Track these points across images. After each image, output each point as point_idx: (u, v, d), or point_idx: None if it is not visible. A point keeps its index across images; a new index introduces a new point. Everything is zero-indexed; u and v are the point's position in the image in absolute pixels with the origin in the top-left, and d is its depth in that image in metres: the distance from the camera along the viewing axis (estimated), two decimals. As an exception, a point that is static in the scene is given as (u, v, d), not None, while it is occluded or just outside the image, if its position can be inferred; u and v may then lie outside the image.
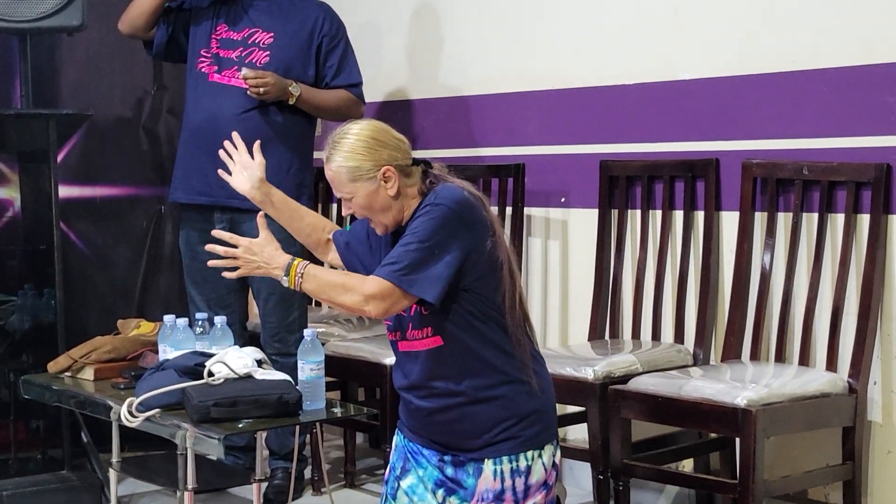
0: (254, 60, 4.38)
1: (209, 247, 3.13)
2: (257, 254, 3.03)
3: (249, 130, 4.34)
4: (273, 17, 4.45)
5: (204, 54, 4.46)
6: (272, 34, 4.42)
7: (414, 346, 2.99)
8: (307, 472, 4.64)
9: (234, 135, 3.39)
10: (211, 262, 3.14)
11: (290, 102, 4.36)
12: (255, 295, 4.54)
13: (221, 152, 3.39)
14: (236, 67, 4.38)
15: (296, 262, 2.97)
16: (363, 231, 3.19)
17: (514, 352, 2.98)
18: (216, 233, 3.17)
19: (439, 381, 2.97)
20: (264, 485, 4.18)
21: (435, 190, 2.97)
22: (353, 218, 3.11)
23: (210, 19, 4.49)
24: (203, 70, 4.46)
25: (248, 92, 4.29)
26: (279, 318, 4.46)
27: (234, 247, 3.09)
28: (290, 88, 4.34)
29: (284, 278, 2.98)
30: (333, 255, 3.29)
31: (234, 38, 4.43)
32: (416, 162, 3.02)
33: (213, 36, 4.45)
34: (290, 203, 3.35)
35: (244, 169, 3.35)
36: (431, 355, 2.97)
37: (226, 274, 3.13)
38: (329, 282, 2.96)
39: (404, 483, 3.09)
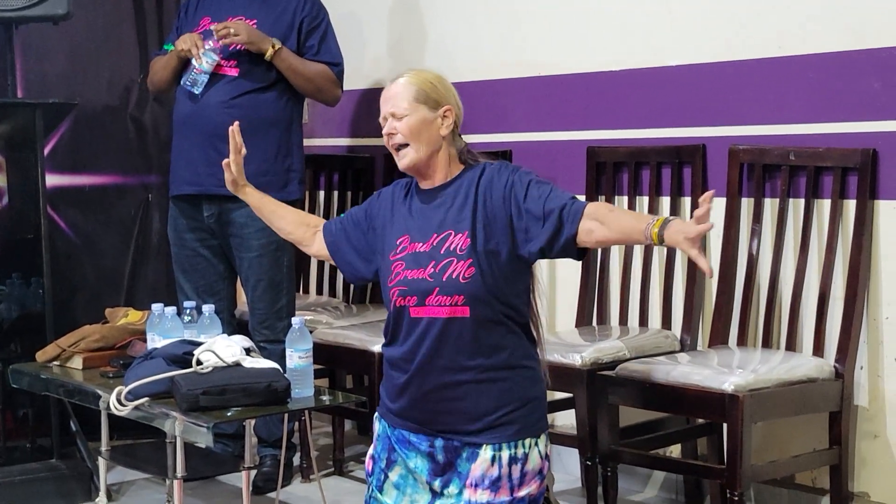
0: (237, 47, 4.38)
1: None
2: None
3: (237, 118, 4.34)
4: (255, 4, 4.45)
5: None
6: (255, 21, 4.41)
7: (434, 313, 2.94)
8: (296, 460, 4.65)
9: (233, 127, 3.38)
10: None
11: (267, 56, 4.35)
12: (243, 282, 4.54)
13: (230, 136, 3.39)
14: (220, 56, 4.38)
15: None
16: (361, 214, 3.19)
17: (523, 336, 2.99)
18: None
19: (449, 355, 2.95)
20: (253, 472, 4.19)
21: (492, 166, 3.04)
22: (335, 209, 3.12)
23: (194, 15, 4.50)
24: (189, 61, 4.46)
25: (221, 41, 4.30)
26: (267, 304, 4.46)
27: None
28: (269, 39, 4.36)
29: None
30: (318, 247, 3.29)
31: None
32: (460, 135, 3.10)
33: (196, 31, 4.44)
34: (267, 203, 3.41)
35: (232, 163, 3.37)
36: (449, 326, 2.94)
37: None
38: None
39: (392, 475, 3.07)
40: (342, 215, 3.27)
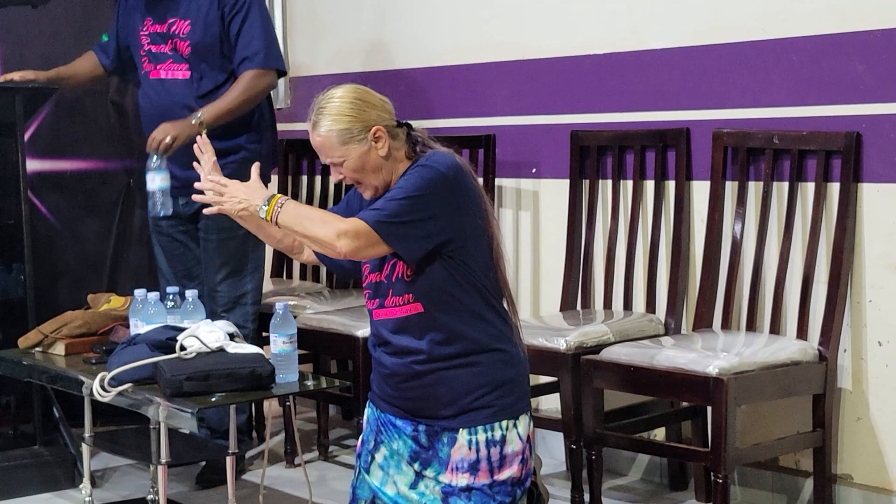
0: (180, 52, 4.33)
1: (198, 185, 3.10)
2: (241, 189, 3.02)
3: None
4: (184, 2, 4.34)
5: (141, 53, 4.44)
6: (189, 21, 4.33)
7: (392, 314, 2.99)
8: (280, 445, 4.63)
9: (202, 140, 3.31)
10: (196, 197, 3.12)
11: (203, 132, 4.12)
12: (206, 267, 4.47)
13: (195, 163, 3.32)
14: (171, 60, 4.34)
15: (277, 196, 2.96)
16: (346, 214, 3.14)
17: (492, 320, 3.00)
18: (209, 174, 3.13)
19: (416, 345, 2.98)
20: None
21: (426, 154, 2.99)
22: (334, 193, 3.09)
23: (138, 17, 4.43)
24: (144, 68, 4.45)
25: (163, 154, 4.15)
26: (229, 289, 4.41)
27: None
28: (193, 123, 4.22)
29: (263, 208, 2.95)
30: (308, 254, 3.25)
31: (161, 31, 4.38)
32: (399, 124, 3.03)
33: (142, 33, 4.40)
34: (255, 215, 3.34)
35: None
36: (410, 322, 2.98)
37: (206, 210, 3.12)
38: (305, 213, 2.95)
39: (378, 456, 3.09)
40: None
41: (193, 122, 4.23)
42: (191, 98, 4.34)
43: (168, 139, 4.18)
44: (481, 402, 2.98)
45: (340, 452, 4.78)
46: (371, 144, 2.98)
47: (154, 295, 3.72)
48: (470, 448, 2.98)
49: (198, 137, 3.33)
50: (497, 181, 4.62)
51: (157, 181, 4.10)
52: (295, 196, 5.31)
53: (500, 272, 3.04)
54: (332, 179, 3.07)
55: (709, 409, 3.72)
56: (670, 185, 4.20)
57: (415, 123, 3.09)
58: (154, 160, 4.11)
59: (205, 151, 3.27)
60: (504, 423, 3.00)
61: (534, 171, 4.61)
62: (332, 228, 2.88)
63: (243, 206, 3.01)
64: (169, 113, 4.32)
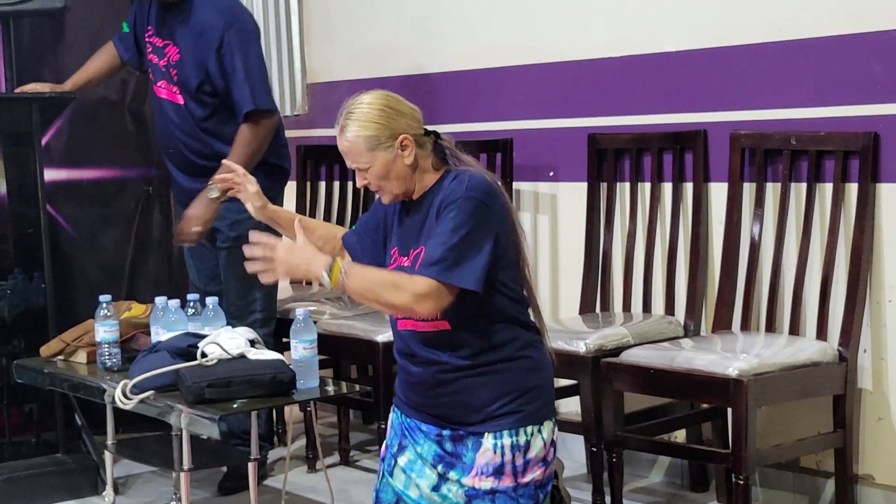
0: (171, 76, 4.31)
1: (247, 249, 2.96)
2: (296, 255, 2.93)
3: (202, 142, 4.33)
4: (180, 29, 4.26)
5: (148, 59, 4.41)
6: (178, 49, 4.28)
7: (418, 327, 2.98)
8: (300, 450, 4.64)
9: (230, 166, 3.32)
10: (249, 267, 2.98)
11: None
12: (221, 272, 4.45)
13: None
14: (165, 80, 4.32)
15: (337, 262, 2.88)
16: (372, 221, 3.15)
17: (518, 328, 3.00)
18: (254, 235, 3.01)
19: (443, 355, 2.97)
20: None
21: (460, 177, 2.95)
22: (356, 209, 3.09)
23: (145, 18, 4.40)
24: (150, 77, 4.44)
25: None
26: (237, 296, 4.38)
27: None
28: (211, 198, 4.09)
29: (326, 276, 2.87)
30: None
31: (158, 46, 4.35)
32: (426, 133, 3.02)
33: (146, 38, 4.38)
34: (297, 220, 3.32)
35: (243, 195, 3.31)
36: (436, 336, 2.96)
37: (262, 278, 2.98)
38: (374, 279, 2.88)
39: (401, 460, 3.10)
40: (353, 226, 3.25)
41: (211, 196, 4.10)
42: (185, 124, 4.32)
43: (198, 228, 4.16)
44: (508, 409, 2.98)
45: (361, 457, 4.78)
46: (397, 153, 2.96)
47: (175, 302, 3.74)
48: (495, 452, 2.98)
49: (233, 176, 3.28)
50: (515, 185, 4.63)
51: (100, 332, 3.82)
52: (314, 202, 5.33)
53: (526, 280, 3.04)
54: (357, 184, 3.04)
55: (729, 410, 3.72)
56: (688, 188, 4.20)
57: (431, 128, 3.08)
58: (101, 312, 3.84)
59: (246, 186, 3.26)
60: (529, 428, 3.00)
61: (551, 174, 4.61)
62: (408, 294, 2.83)
63: (302, 270, 2.91)
64: (167, 134, 4.36)
